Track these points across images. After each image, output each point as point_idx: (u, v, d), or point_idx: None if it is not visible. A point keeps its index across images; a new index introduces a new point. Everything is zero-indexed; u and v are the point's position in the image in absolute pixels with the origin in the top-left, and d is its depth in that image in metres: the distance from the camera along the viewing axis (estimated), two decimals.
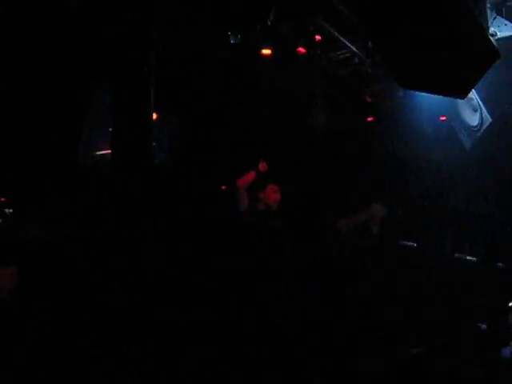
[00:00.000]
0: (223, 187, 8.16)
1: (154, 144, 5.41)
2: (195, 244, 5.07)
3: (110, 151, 6.86)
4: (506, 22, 6.21)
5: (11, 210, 5.93)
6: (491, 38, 5.64)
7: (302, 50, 7.46)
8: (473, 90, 5.83)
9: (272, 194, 6.45)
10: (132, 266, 4.72)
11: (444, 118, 8.79)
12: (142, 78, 4.84)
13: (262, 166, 6.57)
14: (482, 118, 6.89)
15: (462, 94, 5.52)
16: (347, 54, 7.99)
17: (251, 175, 6.41)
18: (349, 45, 7.69)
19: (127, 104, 4.89)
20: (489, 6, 5.96)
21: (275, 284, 5.06)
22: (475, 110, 6.99)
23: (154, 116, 5.40)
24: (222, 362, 4.31)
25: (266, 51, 7.71)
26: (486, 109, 6.75)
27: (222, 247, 5.22)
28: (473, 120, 7.15)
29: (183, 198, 7.05)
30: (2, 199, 6.12)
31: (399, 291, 5.96)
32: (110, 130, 7.23)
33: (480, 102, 6.77)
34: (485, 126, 6.94)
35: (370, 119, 9.54)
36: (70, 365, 3.91)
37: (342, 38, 7.53)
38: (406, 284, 6.08)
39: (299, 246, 5.53)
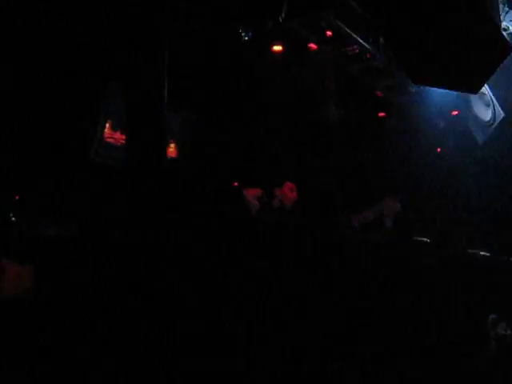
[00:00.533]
0: (235, 183, 8.18)
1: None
2: (207, 241, 5.09)
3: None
4: None
5: (25, 208, 5.98)
6: (504, 33, 5.62)
7: (313, 46, 7.47)
8: (485, 85, 5.81)
9: (288, 192, 6.43)
10: (145, 264, 4.75)
11: (456, 113, 8.77)
12: (155, 75, 4.86)
13: (288, 186, 6.51)
14: (494, 113, 6.86)
15: (475, 89, 5.52)
16: (358, 50, 7.97)
17: (258, 191, 6.35)
18: (360, 40, 7.67)
19: (140, 102, 4.92)
20: (501, 0, 5.94)
21: (287, 280, 5.08)
22: (488, 105, 6.97)
23: None
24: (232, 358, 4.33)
25: (278, 47, 7.73)
26: (499, 104, 6.73)
27: (234, 244, 5.24)
28: (486, 115, 7.13)
29: (194, 195, 7.07)
30: (16, 197, 6.17)
31: (410, 287, 5.94)
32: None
33: (493, 97, 6.75)
34: (497, 121, 6.92)
35: (381, 114, 9.52)
36: (84, 364, 3.93)
37: (353, 34, 7.51)
38: (417, 280, 6.07)
39: (312, 242, 5.54)
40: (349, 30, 7.46)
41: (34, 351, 3.78)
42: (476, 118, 7.46)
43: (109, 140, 7.54)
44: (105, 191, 6.22)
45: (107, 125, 7.54)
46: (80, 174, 6.63)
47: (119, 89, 7.73)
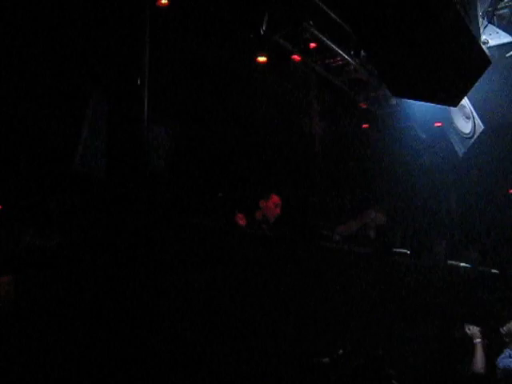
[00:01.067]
0: (219, 194, 8.19)
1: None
2: (189, 251, 5.09)
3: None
4: (498, 30, 6.25)
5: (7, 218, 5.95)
6: (483, 46, 5.69)
7: (296, 57, 7.52)
8: (465, 98, 5.87)
9: (273, 208, 6.45)
10: (128, 273, 4.74)
11: (439, 124, 8.84)
12: (137, 84, 4.87)
13: (274, 200, 6.55)
14: (474, 126, 6.92)
15: (455, 102, 5.56)
16: (342, 62, 8.05)
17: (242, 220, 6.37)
18: (342, 53, 7.74)
19: (122, 110, 4.93)
20: (480, 14, 6.01)
21: (268, 291, 5.10)
22: (468, 118, 7.02)
23: None
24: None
25: (262, 58, 7.76)
26: (479, 116, 6.79)
27: (215, 254, 5.25)
28: (466, 127, 7.18)
29: (177, 205, 7.07)
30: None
31: (390, 299, 5.99)
32: None
33: (473, 110, 6.81)
34: (477, 134, 6.97)
35: (365, 126, 9.59)
36: (66, 372, 3.92)
37: (335, 47, 7.59)
38: (397, 291, 6.12)
39: (294, 254, 5.57)
40: (331, 43, 7.52)
41: (14, 360, 3.76)
42: (456, 130, 7.52)
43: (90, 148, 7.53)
44: (87, 200, 6.21)
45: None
46: (63, 183, 6.62)
47: (102, 96, 7.76)
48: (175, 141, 7.96)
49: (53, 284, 4.57)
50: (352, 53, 7.81)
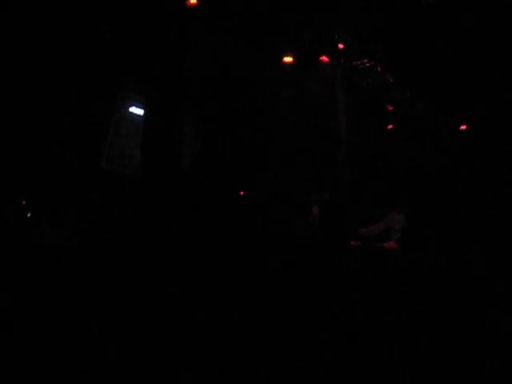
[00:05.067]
0: (242, 193, 8.22)
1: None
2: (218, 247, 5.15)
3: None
4: None
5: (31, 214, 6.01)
6: None
7: (325, 58, 7.53)
8: None
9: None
10: (156, 270, 4.79)
11: (464, 127, 8.84)
12: (174, 86, 4.92)
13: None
14: None
15: None
16: (368, 64, 8.05)
17: None
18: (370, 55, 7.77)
19: (159, 111, 4.98)
20: None
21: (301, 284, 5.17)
22: None
23: None
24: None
25: (288, 59, 7.79)
26: None
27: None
28: None
29: (206, 202, 7.11)
30: (23, 202, 6.20)
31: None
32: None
33: None
34: None
35: (390, 127, 9.57)
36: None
37: (363, 48, 7.60)
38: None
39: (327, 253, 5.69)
40: (359, 44, 7.54)
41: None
42: None
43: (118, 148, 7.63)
44: (115, 199, 6.27)
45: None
46: (90, 181, 6.68)
47: (128, 97, 7.84)
48: (201, 140, 8.02)
49: (74, 281, 4.60)
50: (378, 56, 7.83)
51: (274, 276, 5.28)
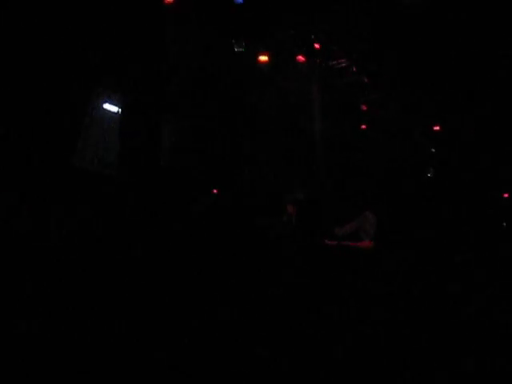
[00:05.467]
0: (214, 191, 8.20)
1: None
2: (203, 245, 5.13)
3: None
4: None
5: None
6: None
7: (301, 58, 7.53)
8: None
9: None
10: (136, 267, 4.74)
11: (438, 128, 8.94)
12: (153, 82, 4.86)
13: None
14: None
15: None
16: (344, 64, 8.08)
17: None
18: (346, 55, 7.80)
19: (136, 109, 4.92)
20: None
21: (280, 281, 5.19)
22: None
23: None
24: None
25: (264, 57, 7.76)
26: None
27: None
28: None
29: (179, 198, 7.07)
30: None
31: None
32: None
33: None
34: None
35: (363, 127, 9.64)
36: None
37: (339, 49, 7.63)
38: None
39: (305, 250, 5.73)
40: (336, 45, 7.57)
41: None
42: None
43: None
44: (89, 198, 6.18)
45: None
46: (62, 178, 6.58)
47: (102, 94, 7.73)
48: (176, 136, 7.97)
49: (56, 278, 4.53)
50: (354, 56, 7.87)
51: (250, 274, 5.28)
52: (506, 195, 10.68)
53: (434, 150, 9.96)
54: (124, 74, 5.42)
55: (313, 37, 7.23)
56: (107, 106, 7.93)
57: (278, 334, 4.72)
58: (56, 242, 5.33)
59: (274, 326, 4.81)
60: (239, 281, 5.19)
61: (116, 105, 7.88)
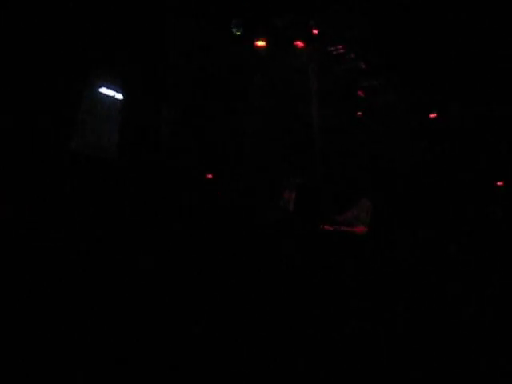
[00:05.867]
0: (209, 176, 8.18)
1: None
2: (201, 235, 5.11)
3: None
4: None
5: None
6: None
7: (300, 43, 7.50)
8: None
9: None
10: (132, 260, 4.73)
11: (433, 116, 8.95)
12: (154, 72, 4.83)
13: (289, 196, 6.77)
14: None
15: None
16: (343, 50, 8.06)
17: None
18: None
19: (137, 95, 4.89)
20: None
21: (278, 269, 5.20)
22: None
23: None
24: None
25: (261, 43, 7.73)
26: None
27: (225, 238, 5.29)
28: None
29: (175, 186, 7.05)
30: None
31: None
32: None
33: None
34: None
35: (359, 114, 9.63)
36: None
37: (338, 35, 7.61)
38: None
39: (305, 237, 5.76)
40: (334, 31, 7.54)
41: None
42: None
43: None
44: (89, 183, 6.15)
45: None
46: (59, 163, 6.54)
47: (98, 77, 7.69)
48: (172, 126, 7.93)
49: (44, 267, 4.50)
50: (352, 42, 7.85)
51: (249, 261, 5.29)
52: (500, 183, 10.73)
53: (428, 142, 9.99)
54: (123, 60, 5.37)
55: (312, 22, 7.19)
56: (103, 90, 7.92)
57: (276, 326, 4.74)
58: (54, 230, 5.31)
59: (272, 319, 4.83)
60: (237, 270, 5.20)
61: (113, 89, 7.87)
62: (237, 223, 6.01)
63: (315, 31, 7.49)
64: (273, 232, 5.58)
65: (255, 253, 5.24)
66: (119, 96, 7.47)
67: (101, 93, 7.81)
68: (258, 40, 7.67)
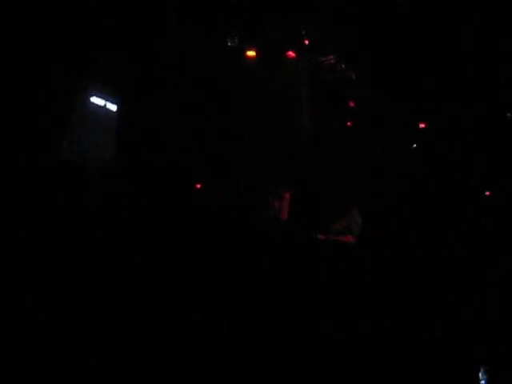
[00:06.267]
0: (198, 186, 8.18)
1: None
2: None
3: None
4: None
5: None
6: None
7: (291, 53, 7.55)
8: None
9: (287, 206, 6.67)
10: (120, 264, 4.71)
11: (423, 126, 9.01)
12: (149, 80, 4.83)
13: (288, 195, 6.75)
14: None
15: None
16: (333, 60, 8.12)
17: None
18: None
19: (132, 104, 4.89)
20: None
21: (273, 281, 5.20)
22: None
23: None
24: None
25: (251, 53, 7.75)
26: None
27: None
28: None
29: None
30: None
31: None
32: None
33: None
34: None
35: (349, 124, 9.66)
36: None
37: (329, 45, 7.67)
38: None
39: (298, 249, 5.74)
40: (325, 41, 7.60)
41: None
42: None
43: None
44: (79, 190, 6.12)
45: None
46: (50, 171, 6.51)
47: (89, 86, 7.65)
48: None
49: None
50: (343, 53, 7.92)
51: (241, 269, 5.28)
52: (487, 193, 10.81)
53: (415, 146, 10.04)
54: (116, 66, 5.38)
55: (303, 32, 7.24)
56: (95, 100, 7.86)
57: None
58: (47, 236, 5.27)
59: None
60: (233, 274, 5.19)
61: (103, 98, 7.83)
62: (228, 233, 6.00)
63: (306, 41, 7.55)
64: (268, 241, 5.57)
65: (251, 260, 5.23)
66: (110, 106, 7.46)
67: (92, 102, 7.76)
68: (248, 50, 7.70)
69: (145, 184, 6.22)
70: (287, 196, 6.62)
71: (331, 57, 7.97)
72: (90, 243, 4.83)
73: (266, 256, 5.38)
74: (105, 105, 7.91)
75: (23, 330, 3.78)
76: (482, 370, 6.10)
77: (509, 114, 8.38)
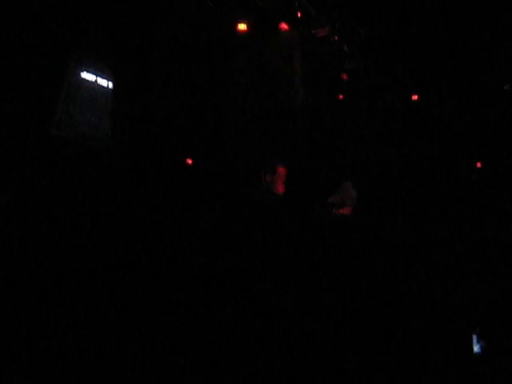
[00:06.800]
0: (189, 161, 8.12)
1: None
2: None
3: None
4: None
5: None
6: None
7: (284, 26, 7.44)
8: None
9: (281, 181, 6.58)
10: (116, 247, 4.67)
11: (416, 98, 8.97)
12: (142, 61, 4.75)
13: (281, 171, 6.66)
14: None
15: None
16: (326, 33, 8.02)
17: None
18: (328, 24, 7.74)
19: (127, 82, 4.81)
20: None
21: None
22: None
23: None
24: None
25: (242, 26, 7.63)
26: None
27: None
28: None
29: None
30: None
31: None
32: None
33: None
34: None
35: (341, 97, 9.60)
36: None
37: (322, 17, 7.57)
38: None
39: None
40: (318, 12, 7.50)
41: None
42: None
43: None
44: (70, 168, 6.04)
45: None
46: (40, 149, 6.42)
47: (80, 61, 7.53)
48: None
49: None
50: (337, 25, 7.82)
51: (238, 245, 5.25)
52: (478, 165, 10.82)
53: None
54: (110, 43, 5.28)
55: (296, 4, 7.14)
56: (85, 75, 7.74)
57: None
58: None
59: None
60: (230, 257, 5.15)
61: (94, 73, 7.71)
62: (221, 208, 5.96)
63: (299, 14, 7.44)
64: (263, 214, 5.52)
65: (248, 236, 5.20)
66: (101, 81, 7.35)
67: (83, 78, 7.64)
68: (239, 23, 7.57)
69: (137, 160, 6.17)
70: (281, 170, 6.56)
71: (324, 29, 7.87)
72: (80, 222, 4.78)
73: (257, 228, 5.34)
74: (96, 80, 7.83)
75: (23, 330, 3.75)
76: (474, 336, 6.12)
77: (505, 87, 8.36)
